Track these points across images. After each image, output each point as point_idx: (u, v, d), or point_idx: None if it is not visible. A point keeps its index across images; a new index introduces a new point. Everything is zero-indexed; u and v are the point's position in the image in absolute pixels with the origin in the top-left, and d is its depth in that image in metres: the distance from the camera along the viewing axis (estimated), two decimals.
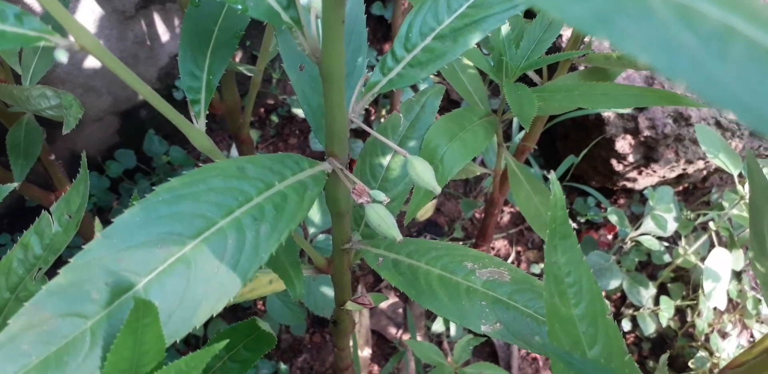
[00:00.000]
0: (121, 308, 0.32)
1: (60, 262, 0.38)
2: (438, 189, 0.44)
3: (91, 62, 0.85)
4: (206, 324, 0.94)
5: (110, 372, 0.31)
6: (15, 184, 0.41)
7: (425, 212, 1.15)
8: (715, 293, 1.01)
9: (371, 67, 1.20)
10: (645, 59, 0.13)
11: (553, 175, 0.49)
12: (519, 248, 1.22)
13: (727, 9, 0.14)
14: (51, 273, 0.38)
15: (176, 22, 0.92)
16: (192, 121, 0.44)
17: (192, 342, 0.97)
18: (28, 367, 0.30)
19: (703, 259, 1.08)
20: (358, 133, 1.21)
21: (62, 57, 0.29)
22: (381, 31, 1.28)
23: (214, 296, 0.34)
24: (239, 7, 0.35)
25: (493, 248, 1.21)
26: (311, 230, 0.97)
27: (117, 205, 1.03)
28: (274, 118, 1.18)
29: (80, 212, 0.41)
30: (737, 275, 1.12)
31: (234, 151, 1.11)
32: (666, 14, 0.14)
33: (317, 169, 0.44)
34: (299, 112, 1.18)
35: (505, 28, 0.63)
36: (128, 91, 0.95)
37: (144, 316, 0.30)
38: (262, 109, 1.19)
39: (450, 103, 1.27)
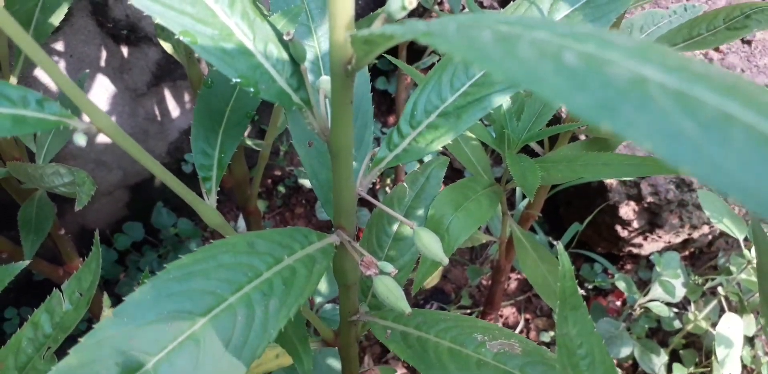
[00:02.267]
0: None
1: (70, 340, 0.38)
2: (445, 260, 0.45)
3: (103, 138, 0.87)
4: None
5: None
6: (26, 262, 0.42)
7: (432, 279, 1.15)
8: (729, 359, 0.99)
9: (377, 140, 1.22)
10: (649, 147, 0.13)
11: (560, 246, 0.50)
12: (528, 315, 1.20)
13: (724, 95, 0.14)
14: (60, 352, 0.38)
15: (186, 98, 0.95)
16: (203, 197, 0.45)
17: None
18: None
19: (714, 325, 1.07)
20: (364, 202, 1.22)
21: (81, 141, 0.30)
22: (385, 104, 1.31)
23: None
24: (251, 89, 0.36)
25: (501, 316, 1.20)
26: (318, 300, 0.96)
27: (124, 278, 1.03)
28: (281, 189, 1.20)
29: (91, 290, 0.41)
30: (750, 340, 1.10)
31: (241, 222, 1.12)
32: (666, 102, 0.14)
33: (325, 241, 0.44)
34: (306, 182, 1.20)
35: (505, 102, 0.65)
36: (138, 166, 0.97)
37: None
38: (269, 180, 1.21)
39: (453, 171, 1.29)
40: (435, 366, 0.48)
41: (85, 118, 0.35)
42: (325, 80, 0.43)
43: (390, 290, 0.43)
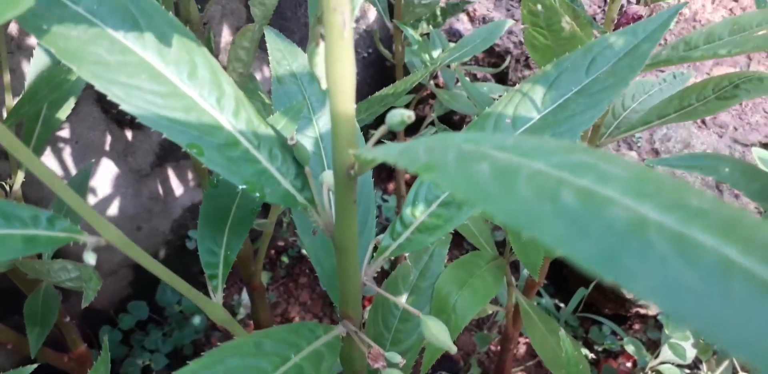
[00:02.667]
0: None
1: None
2: (453, 349, 0.45)
3: (108, 219, 0.88)
4: None
5: None
6: (32, 366, 0.42)
7: None
8: None
9: (379, 207, 1.23)
10: (653, 302, 0.13)
11: (563, 333, 0.50)
12: None
13: (721, 236, 0.14)
14: None
15: (189, 176, 0.96)
16: (209, 294, 0.45)
17: None
18: None
19: None
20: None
21: (91, 260, 0.31)
22: (385, 172, 1.33)
23: None
24: (257, 194, 0.37)
25: None
26: None
27: (129, 357, 1.01)
28: (285, 259, 1.20)
29: None
30: None
31: (245, 296, 1.11)
32: (665, 248, 0.14)
33: (331, 334, 0.44)
34: None
35: None
36: (142, 245, 0.95)
37: None
38: (272, 251, 1.22)
39: (457, 235, 1.29)
40: None
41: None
42: (328, 175, 0.43)
43: None
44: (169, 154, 0.91)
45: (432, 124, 1.05)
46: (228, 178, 0.36)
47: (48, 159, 0.76)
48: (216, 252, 0.44)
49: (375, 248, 0.48)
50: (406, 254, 0.65)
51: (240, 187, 0.36)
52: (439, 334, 0.44)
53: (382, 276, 1.21)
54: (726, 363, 1.09)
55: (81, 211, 0.33)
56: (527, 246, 0.62)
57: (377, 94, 0.67)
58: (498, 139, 0.24)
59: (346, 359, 0.49)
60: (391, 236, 0.45)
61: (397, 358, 0.45)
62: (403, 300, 0.62)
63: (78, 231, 0.33)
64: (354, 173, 0.35)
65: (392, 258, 1.23)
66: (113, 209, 0.87)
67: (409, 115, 0.31)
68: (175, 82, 0.35)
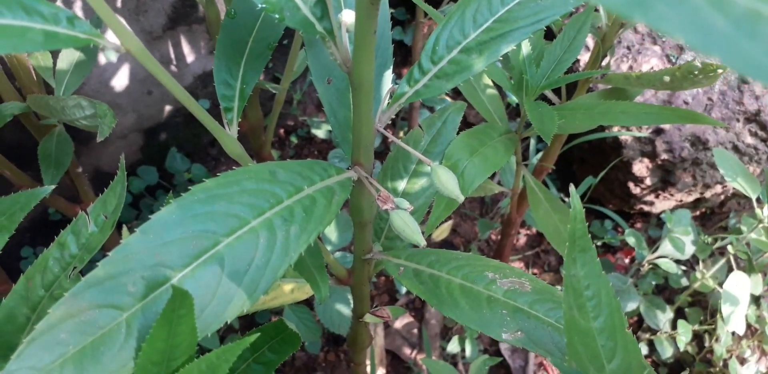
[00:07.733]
0: (156, 301, 0.33)
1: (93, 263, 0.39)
2: (461, 198, 0.45)
3: (118, 81, 0.87)
4: (222, 339, 0.94)
5: (143, 364, 0.31)
6: (50, 187, 0.43)
7: (441, 232, 1.16)
8: (734, 318, 1.00)
9: None
10: (681, 38, 0.14)
11: (573, 189, 0.50)
12: (535, 270, 1.21)
13: None
14: (85, 273, 0.39)
15: (202, 43, 0.94)
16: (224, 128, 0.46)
17: None
18: (65, 356, 0.31)
19: (720, 284, 1.07)
20: (376, 154, 1.22)
21: (112, 56, 0.30)
22: (400, 56, 1.31)
23: (246, 292, 0.35)
24: (276, 16, 0.36)
25: None
26: (328, 248, 0.97)
27: (137, 221, 1.04)
28: (294, 139, 1.20)
29: (116, 213, 0.42)
30: (756, 300, 1.11)
31: None
32: (698, 1, 0.15)
33: (344, 176, 0.45)
34: (318, 133, 1.20)
35: (526, 48, 0.65)
36: (152, 110, 0.97)
37: (179, 307, 0.31)
38: (282, 130, 1.22)
39: (467, 125, 1.28)
40: (446, 302, 0.49)
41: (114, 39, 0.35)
42: (347, 14, 0.42)
43: (406, 223, 0.44)
44: (182, 17, 0.89)
45: (453, 0, 1.02)
46: None
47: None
48: (232, 84, 0.43)
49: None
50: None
51: (260, 5, 0.36)
52: (448, 182, 0.44)
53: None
54: (722, 262, 1.11)
55: (105, 17, 0.33)
56: (543, 114, 0.61)
57: None
58: None
59: (356, 208, 0.50)
60: (408, 82, 0.45)
61: (406, 204, 0.45)
62: (413, 164, 0.63)
63: (98, 34, 0.32)
64: None
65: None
66: (123, 71, 0.85)
67: None
68: None
